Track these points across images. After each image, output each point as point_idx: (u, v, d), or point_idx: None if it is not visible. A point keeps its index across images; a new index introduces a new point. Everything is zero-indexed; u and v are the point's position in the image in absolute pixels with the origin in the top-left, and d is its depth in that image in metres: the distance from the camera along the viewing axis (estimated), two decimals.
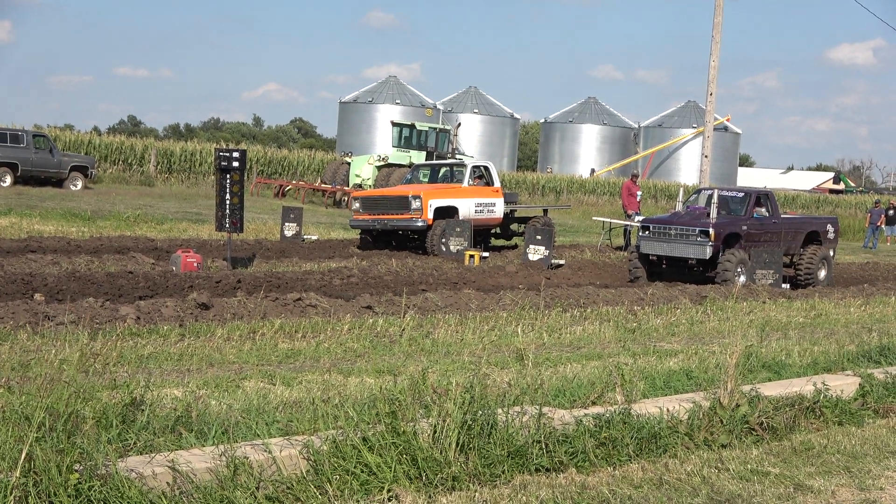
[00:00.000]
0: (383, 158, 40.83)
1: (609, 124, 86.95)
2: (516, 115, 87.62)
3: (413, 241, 24.41)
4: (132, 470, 5.43)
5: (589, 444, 6.75)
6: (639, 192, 29.84)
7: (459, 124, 53.86)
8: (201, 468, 5.62)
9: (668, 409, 7.60)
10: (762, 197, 22.05)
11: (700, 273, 20.80)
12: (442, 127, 44.44)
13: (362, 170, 40.51)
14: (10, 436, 5.36)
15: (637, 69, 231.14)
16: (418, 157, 39.49)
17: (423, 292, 15.34)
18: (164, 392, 7.67)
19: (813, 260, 22.10)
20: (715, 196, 20.75)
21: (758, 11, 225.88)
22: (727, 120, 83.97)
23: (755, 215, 21.36)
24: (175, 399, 7.30)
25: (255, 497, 5.54)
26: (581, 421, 7.02)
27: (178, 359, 9.68)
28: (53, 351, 8.81)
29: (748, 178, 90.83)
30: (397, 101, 79.31)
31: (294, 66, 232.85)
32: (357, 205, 24.49)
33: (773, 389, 8.60)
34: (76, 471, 5.21)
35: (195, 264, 17.14)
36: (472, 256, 21.89)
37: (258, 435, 6.36)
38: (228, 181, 18.09)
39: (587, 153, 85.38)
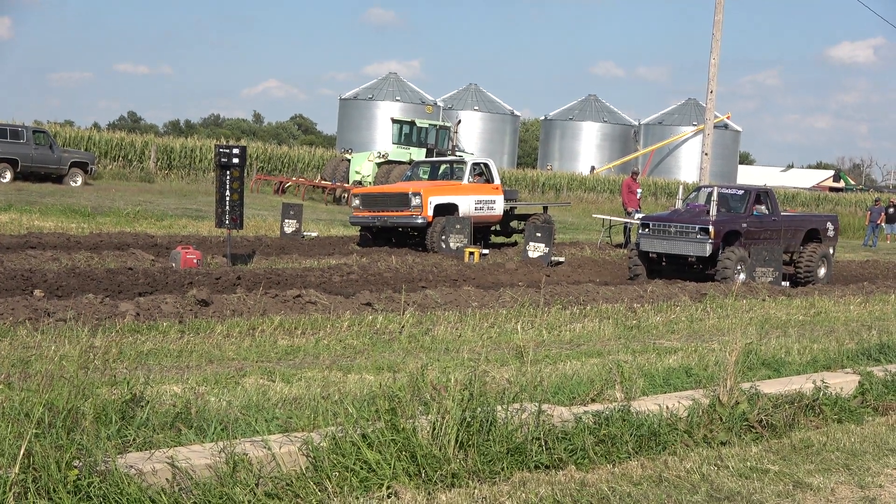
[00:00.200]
0: (383, 155, 40.84)
1: (609, 122, 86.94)
2: (516, 113, 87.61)
3: (413, 238, 24.40)
4: (131, 466, 5.43)
5: (588, 442, 6.75)
6: (639, 190, 29.82)
7: (459, 121, 53.86)
8: (200, 465, 5.62)
9: (667, 407, 7.60)
10: (762, 195, 22.04)
11: (700, 271, 20.79)
12: (442, 124, 44.43)
13: (362, 167, 40.52)
14: (10, 432, 5.36)
15: (637, 67, 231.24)
16: (418, 154, 39.49)
17: (422, 289, 15.34)
18: (163, 388, 7.67)
19: (813, 258, 22.10)
20: (715, 194, 20.74)
21: (758, 9, 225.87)
22: (727, 118, 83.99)
23: (755, 213, 21.35)
24: (174, 395, 7.30)
25: (255, 494, 5.54)
26: (580, 418, 7.02)
27: (178, 355, 9.68)
28: (53, 347, 8.82)
29: (748, 176, 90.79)
30: (397, 98, 79.30)
31: (294, 62, 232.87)
32: (357, 202, 24.48)
33: (772, 387, 8.61)
34: (76, 467, 5.21)
35: (195, 261, 17.14)
36: (471, 254, 21.89)
37: (257, 431, 6.36)
38: (228, 178, 18.09)
39: (587, 150, 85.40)
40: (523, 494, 5.95)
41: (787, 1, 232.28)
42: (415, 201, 23.16)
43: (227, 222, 18.28)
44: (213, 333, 10.78)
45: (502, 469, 6.28)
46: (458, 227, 23.02)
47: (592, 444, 6.76)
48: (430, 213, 23.18)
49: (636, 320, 13.90)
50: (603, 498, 6.05)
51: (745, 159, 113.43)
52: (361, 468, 5.89)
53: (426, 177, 26.04)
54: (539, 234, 22.07)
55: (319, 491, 5.70)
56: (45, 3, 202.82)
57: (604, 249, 26.18)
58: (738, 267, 20.01)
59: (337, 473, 5.83)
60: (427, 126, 42.54)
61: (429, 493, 5.87)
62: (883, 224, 43.71)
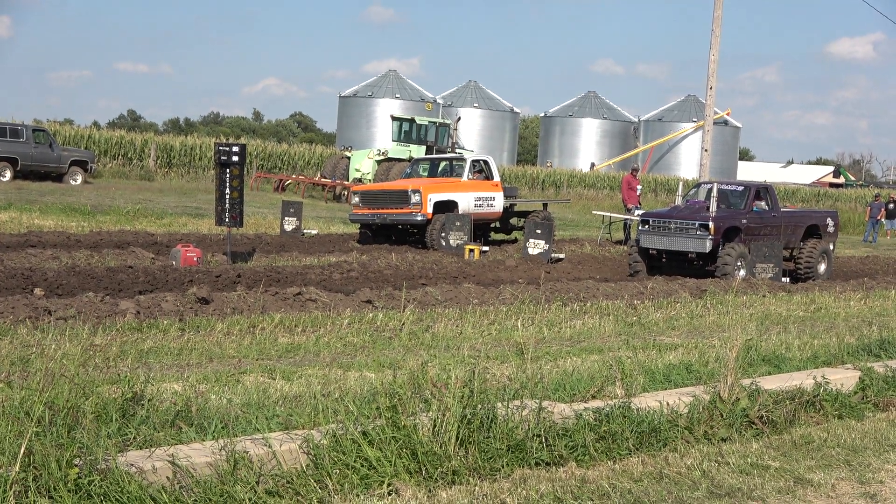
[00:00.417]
0: (383, 153, 40.83)
1: (609, 118, 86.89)
2: (516, 110, 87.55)
3: (413, 235, 24.40)
4: (132, 464, 5.43)
5: (589, 438, 6.75)
6: (639, 186, 29.80)
7: (459, 118, 53.84)
8: (201, 463, 5.62)
9: (667, 403, 7.60)
10: (762, 191, 22.04)
11: (700, 267, 20.79)
12: (442, 121, 44.42)
13: (362, 164, 40.51)
14: (10, 430, 5.36)
15: (637, 63, 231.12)
16: (418, 151, 39.48)
17: (422, 286, 15.33)
18: (163, 386, 7.67)
19: (813, 254, 22.09)
20: (714, 190, 20.74)
21: (757, 6, 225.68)
22: (727, 114, 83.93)
23: (755, 209, 21.34)
24: (175, 393, 7.30)
25: (255, 491, 5.54)
26: (581, 415, 7.02)
27: (178, 353, 9.68)
28: (53, 346, 8.79)
29: (748, 172, 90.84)
30: (397, 96, 79.24)
31: (294, 60, 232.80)
32: (357, 199, 24.47)
33: (772, 383, 8.61)
34: (76, 465, 5.21)
35: (195, 259, 17.14)
36: (471, 251, 21.89)
37: (258, 429, 6.36)
38: (228, 176, 18.08)
39: (587, 147, 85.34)
40: (524, 491, 5.95)
41: None
42: (414, 198, 23.15)
43: (227, 220, 18.28)
44: (214, 331, 10.78)
45: (503, 466, 6.28)
46: (457, 224, 23.01)
47: (593, 441, 6.76)
48: (430, 210, 23.17)
49: (636, 317, 13.90)
50: (603, 494, 6.05)
51: (745, 155, 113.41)
52: (362, 466, 5.89)
53: (426, 174, 26.02)
54: (539, 231, 22.06)
55: (320, 488, 5.70)
56: (45, 1, 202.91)
57: (604, 246, 26.18)
58: (738, 263, 20.01)
59: (338, 471, 5.83)
60: (427, 123, 42.53)
61: (429, 491, 5.86)
62: (883, 220, 43.71)
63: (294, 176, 45.24)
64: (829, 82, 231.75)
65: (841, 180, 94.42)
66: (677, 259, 20.89)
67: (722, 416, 7.64)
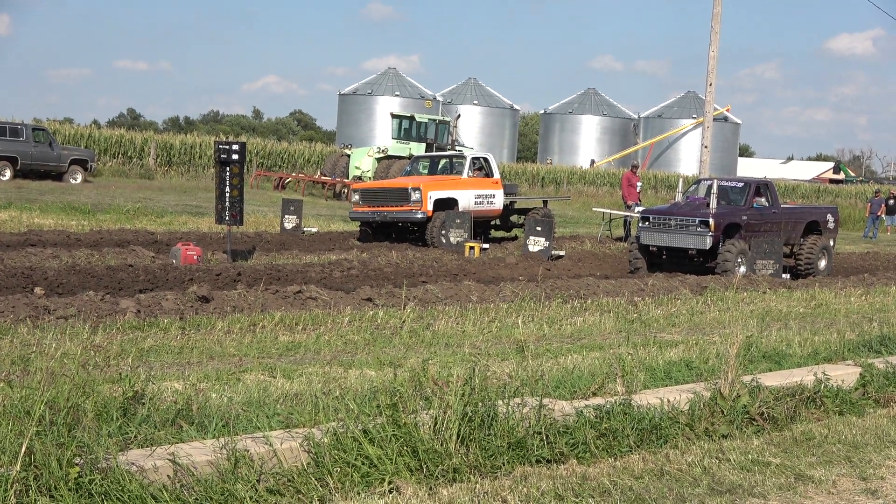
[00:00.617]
0: (383, 150, 40.82)
1: (609, 115, 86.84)
2: (516, 107, 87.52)
3: (413, 232, 24.39)
4: (133, 463, 5.43)
5: (590, 436, 6.75)
6: (639, 183, 29.81)
7: (459, 116, 53.89)
8: (202, 461, 5.62)
9: (668, 400, 7.60)
10: (762, 187, 22.03)
11: (700, 263, 20.79)
12: (441, 118, 44.41)
13: (362, 162, 40.50)
14: (11, 430, 5.36)
15: (637, 60, 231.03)
16: (418, 148, 39.46)
17: (423, 284, 15.33)
18: (164, 385, 7.66)
19: (813, 250, 22.09)
20: (715, 186, 20.74)
21: (757, 2, 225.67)
22: (727, 110, 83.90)
23: (755, 205, 21.34)
24: (175, 392, 7.29)
25: (256, 490, 5.54)
26: (582, 412, 7.01)
27: (179, 352, 9.68)
28: (54, 345, 8.81)
29: (748, 169, 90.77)
30: (397, 93, 79.19)
31: (293, 58, 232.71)
32: (357, 197, 24.47)
33: (773, 380, 8.60)
34: (77, 464, 5.21)
35: (195, 257, 17.14)
36: (472, 248, 21.89)
37: (259, 428, 6.36)
38: (228, 174, 18.08)
39: (587, 144, 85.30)
40: (525, 489, 5.95)
41: None
42: (414, 196, 23.15)
43: (227, 218, 18.28)
44: (214, 330, 10.78)
45: (504, 463, 6.27)
46: (457, 221, 23.01)
47: (594, 438, 6.76)
48: (430, 207, 23.17)
49: (637, 314, 13.89)
50: (604, 492, 6.05)
51: (745, 152, 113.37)
52: (363, 463, 5.89)
53: (426, 171, 26.03)
54: (539, 229, 22.06)
55: (321, 486, 5.70)
56: (45, 0, 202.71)
57: (604, 243, 26.17)
58: (739, 259, 20.00)
59: (338, 469, 5.83)
60: (426, 121, 42.52)
61: (430, 488, 5.86)
62: (883, 215, 43.69)
63: (294, 174, 45.23)
64: (828, 78, 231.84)
65: (841, 176, 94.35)
66: (677, 256, 20.88)
67: (723, 412, 7.63)
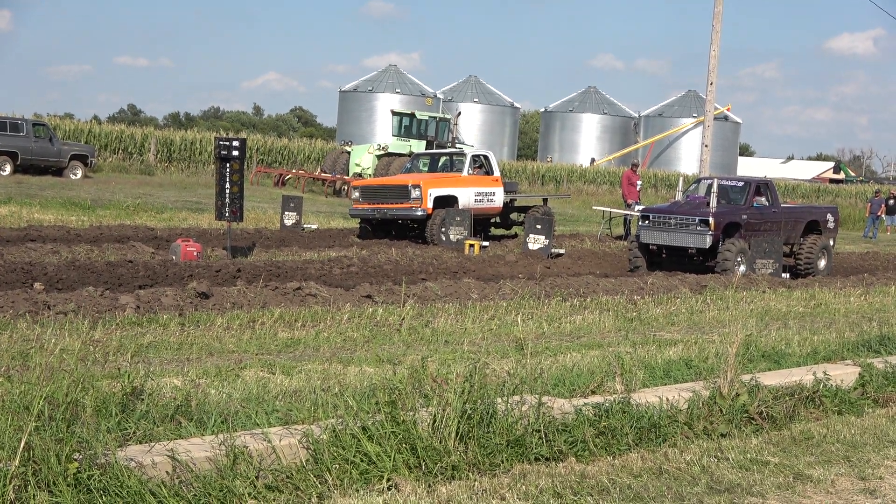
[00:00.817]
0: (383, 147, 40.80)
1: (609, 114, 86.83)
2: (516, 105, 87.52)
3: (413, 230, 24.39)
4: (132, 459, 5.43)
5: (588, 434, 6.75)
6: (639, 182, 29.82)
7: (459, 113, 53.88)
8: (201, 457, 5.62)
9: (667, 399, 7.59)
10: (762, 186, 22.03)
11: (700, 262, 20.78)
12: (442, 116, 44.39)
13: (362, 159, 40.48)
14: (10, 425, 5.36)
15: (637, 58, 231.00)
16: (418, 146, 39.45)
17: (422, 281, 15.33)
18: (163, 381, 7.66)
19: (813, 249, 22.09)
20: (715, 185, 20.73)
21: (757, 1, 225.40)
22: (727, 109, 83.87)
23: (755, 205, 21.34)
24: (174, 388, 7.29)
25: (255, 486, 5.54)
26: (580, 410, 7.02)
27: (178, 348, 9.67)
28: (53, 340, 8.80)
29: (748, 168, 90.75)
30: (397, 91, 79.18)
31: (294, 55, 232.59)
32: (357, 194, 24.47)
33: (772, 379, 8.60)
34: (76, 460, 5.21)
35: (195, 253, 17.14)
36: (471, 246, 21.88)
37: (258, 424, 6.36)
38: (228, 170, 18.08)
39: (587, 142, 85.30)
40: (523, 486, 5.95)
41: None
42: (415, 193, 23.15)
43: (227, 215, 18.28)
44: (214, 326, 10.78)
45: (503, 461, 6.27)
46: (457, 219, 23.01)
47: (593, 436, 6.76)
48: (430, 205, 23.17)
49: (636, 312, 13.90)
50: (603, 490, 6.05)
51: (746, 151, 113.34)
52: (362, 460, 5.89)
53: (426, 169, 26.02)
54: (539, 226, 22.05)
55: (320, 483, 5.70)
56: None
57: (604, 241, 26.18)
58: (739, 259, 20.00)
59: (337, 466, 5.83)
60: (427, 118, 42.51)
61: (429, 486, 5.86)
62: (883, 215, 43.67)
63: (294, 171, 45.21)
64: (829, 78, 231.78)
65: (841, 176, 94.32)
66: (677, 255, 20.88)
67: (721, 411, 7.63)
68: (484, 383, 6.66)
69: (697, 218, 20.18)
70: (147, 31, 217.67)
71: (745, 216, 20.91)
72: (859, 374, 9.29)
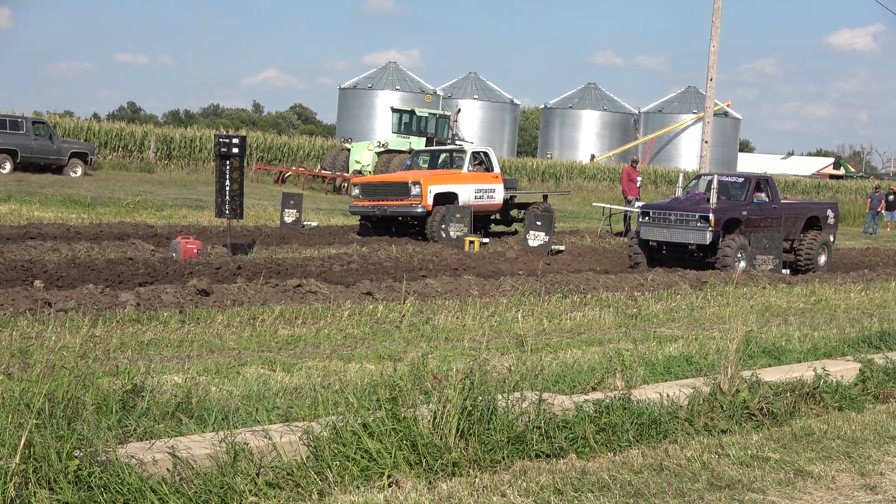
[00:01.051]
0: (383, 144, 40.78)
1: (609, 110, 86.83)
2: (516, 101, 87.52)
3: (413, 227, 24.38)
4: (132, 456, 5.43)
5: (589, 430, 6.75)
6: (639, 178, 29.79)
7: (459, 110, 53.77)
8: (201, 454, 5.62)
9: (668, 395, 7.59)
10: (762, 182, 22.02)
11: (700, 259, 20.78)
12: (442, 113, 44.36)
13: (362, 156, 40.47)
14: (10, 422, 5.36)
15: (637, 55, 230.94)
16: (418, 143, 39.44)
17: (423, 278, 15.33)
18: (164, 378, 7.66)
19: (813, 245, 22.08)
20: (715, 181, 20.72)
21: None
22: (727, 105, 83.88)
23: (755, 201, 21.33)
24: (175, 385, 7.29)
25: (256, 483, 5.54)
26: (581, 407, 7.02)
27: (178, 345, 9.67)
28: (53, 337, 8.81)
29: (748, 164, 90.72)
30: (397, 88, 79.19)
31: (294, 52, 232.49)
32: (357, 191, 24.45)
33: (773, 375, 8.60)
34: (76, 457, 5.21)
35: (195, 251, 17.14)
36: (471, 242, 21.88)
37: (258, 421, 6.36)
38: (228, 167, 18.08)
39: (587, 139, 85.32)
40: (524, 483, 5.95)
41: None
42: (415, 190, 23.14)
43: (227, 212, 18.28)
44: (214, 323, 10.78)
45: (503, 458, 6.27)
46: (458, 216, 23.00)
47: (593, 433, 6.76)
48: (430, 202, 23.16)
49: (637, 309, 13.90)
50: (604, 486, 6.05)
51: (745, 147, 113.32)
52: (362, 457, 5.89)
53: (426, 166, 26.01)
54: (539, 223, 22.05)
55: (320, 480, 5.70)
56: None
57: (604, 238, 26.17)
58: (739, 255, 20.00)
59: (338, 463, 5.83)
60: (427, 115, 42.49)
61: (430, 482, 5.86)
62: (883, 211, 43.65)
63: (294, 168, 45.19)
64: (829, 74, 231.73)
65: (841, 172, 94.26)
66: (677, 251, 20.87)
67: (722, 407, 7.63)
68: (484, 380, 6.66)
69: (697, 214, 20.18)
70: (147, 29, 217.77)
71: (745, 212, 20.90)
72: (860, 370, 9.29)
